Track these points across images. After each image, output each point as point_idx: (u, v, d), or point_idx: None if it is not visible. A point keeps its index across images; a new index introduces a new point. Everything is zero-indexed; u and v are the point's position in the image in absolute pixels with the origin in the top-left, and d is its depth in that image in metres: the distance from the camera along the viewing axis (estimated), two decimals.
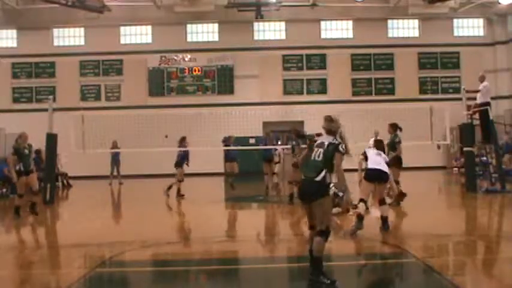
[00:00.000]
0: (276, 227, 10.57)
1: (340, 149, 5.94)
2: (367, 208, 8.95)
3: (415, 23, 26.54)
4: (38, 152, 19.69)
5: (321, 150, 5.99)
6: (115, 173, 20.59)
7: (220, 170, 24.39)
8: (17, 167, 11.61)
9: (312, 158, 5.99)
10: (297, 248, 8.10)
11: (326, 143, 6.04)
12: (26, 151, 11.75)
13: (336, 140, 6.05)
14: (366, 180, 9.12)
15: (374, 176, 9.03)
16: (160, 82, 25.76)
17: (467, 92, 15.38)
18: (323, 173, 5.85)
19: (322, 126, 6.33)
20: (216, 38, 26.15)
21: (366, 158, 9.39)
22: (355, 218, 8.67)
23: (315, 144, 6.12)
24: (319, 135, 6.95)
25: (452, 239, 8.42)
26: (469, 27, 26.72)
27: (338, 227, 9.31)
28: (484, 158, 16.74)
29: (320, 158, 5.93)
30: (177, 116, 19.87)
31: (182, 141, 15.59)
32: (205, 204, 13.50)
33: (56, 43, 26.19)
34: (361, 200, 8.87)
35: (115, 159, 20.49)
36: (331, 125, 6.20)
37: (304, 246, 8.00)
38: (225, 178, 16.47)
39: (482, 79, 14.74)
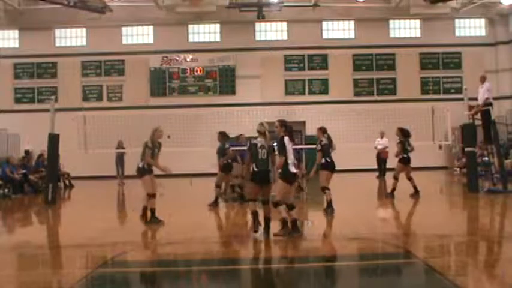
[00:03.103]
0: (277, 227, 10.55)
1: (275, 149, 8.50)
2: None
3: (416, 23, 26.50)
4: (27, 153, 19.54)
5: (265, 151, 8.52)
6: (120, 173, 20.42)
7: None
8: (140, 164, 10.23)
9: (260, 157, 8.48)
10: (296, 248, 8.11)
11: (266, 146, 8.52)
12: (156, 150, 10.35)
13: (269, 142, 8.53)
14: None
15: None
16: (162, 82, 25.76)
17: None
18: (270, 166, 8.60)
19: (256, 129, 8.63)
20: (218, 39, 26.15)
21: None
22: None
23: (258, 146, 8.49)
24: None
25: (454, 239, 8.41)
26: (471, 28, 26.66)
27: None
28: (486, 158, 16.71)
29: (265, 157, 8.53)
30: (179, 117, 19.81)
31: (237, 139, 15.21)
32: (206, 205, 13.47)
33: (57, 43, 26.20)
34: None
35: (120, 159, 20.32)
36: (262, 128, 8.61)
37: (299, 247, 8.00)
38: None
39: (483, 79, 14.71)
